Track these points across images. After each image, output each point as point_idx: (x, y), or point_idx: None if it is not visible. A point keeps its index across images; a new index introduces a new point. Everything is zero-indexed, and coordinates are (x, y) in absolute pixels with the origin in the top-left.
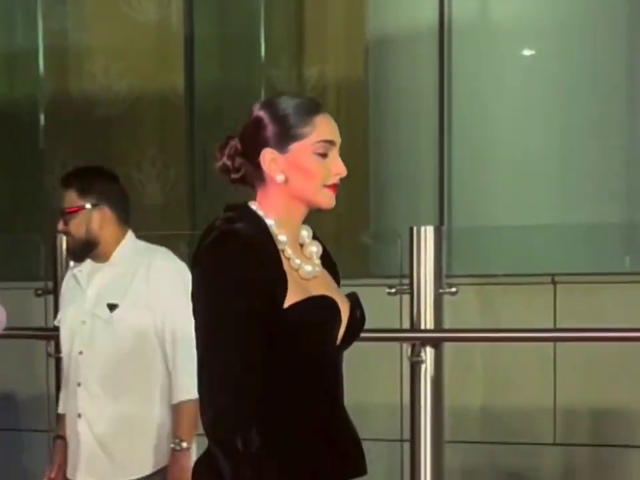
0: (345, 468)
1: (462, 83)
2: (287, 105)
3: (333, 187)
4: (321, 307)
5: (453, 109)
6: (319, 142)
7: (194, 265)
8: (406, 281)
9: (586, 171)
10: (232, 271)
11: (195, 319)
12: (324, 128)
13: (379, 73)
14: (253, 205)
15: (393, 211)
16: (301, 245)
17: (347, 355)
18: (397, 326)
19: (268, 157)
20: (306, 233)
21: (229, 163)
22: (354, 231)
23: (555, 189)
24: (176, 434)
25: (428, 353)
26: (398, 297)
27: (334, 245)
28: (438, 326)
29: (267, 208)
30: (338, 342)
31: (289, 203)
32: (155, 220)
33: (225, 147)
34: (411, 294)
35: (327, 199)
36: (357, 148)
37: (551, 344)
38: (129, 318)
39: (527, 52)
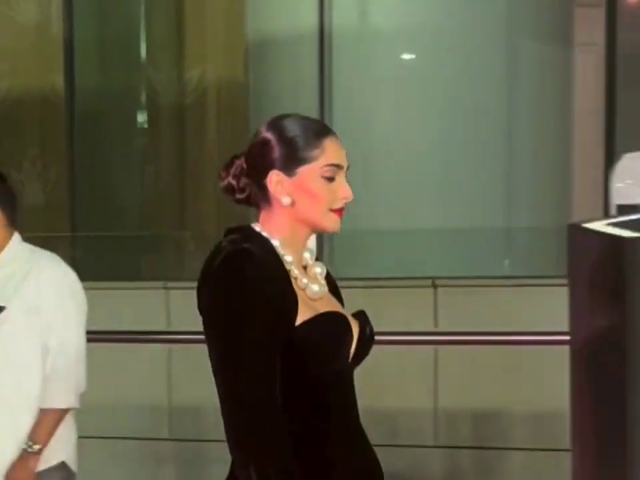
0: None
1: (342, 86)
2: (295, 127)
3: (339, 211)
4: (332, 321)
5: (334, 112)
6: (326, 166)
7: (203, 286)
8: None
9: (466, 176)
10: (245, 290)
11: (210, 342)
12: (332, 151)
13: (259, 75)
14: (256, 227)
15: None
16: (304, 267)
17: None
18: None
19: (274, 179)
20: (309, 255)
21: (234, 182)
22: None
23: (435, 194)
24: (32, 435)
25: None
26: None
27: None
28: None
29: (271, 229)
30: (350, 359)
31: (294, 225)
32: (35, 220)
33: (230, 166)
34: None
35: (333, 223)
36: (237, 149)
37: (431, 347)
38: (15, 321)
39: (406, 55)
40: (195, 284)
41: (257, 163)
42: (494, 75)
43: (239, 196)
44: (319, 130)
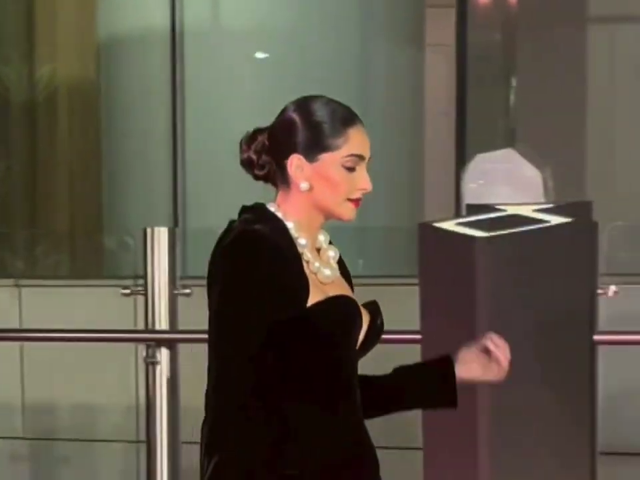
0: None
1: (194, 85)
2: (323, 111)
3: (356, 201)
4: (342, 304)
5: (187, 110)
6: (349, 155)
7: (212, 265)
8: (141, 281)
9: None
10: (254, 273)
11: (217, 321)
12: (356, 141)
13: (110, 74)
14: (271, 207)
15: (127, 212)
16: (318, 250)
17: (79, 356)
18: (132, 327)
19: (295, 163)
20: (323, 238)
21: (254, 157)
22: (87, 232)
23: None
24: None
25: (163, 354)
26: (132, 298)
27: (68, 245)
28: (173, 327)
29: (286, 210)
30: (357, 346)
31: (310, 209)
32: None
33: (252, 140)
34: (146, 295)
35: (349, 212)
36: (89, 148)
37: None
38: None
39: (259, 54)
40: (47, 282)
41: (280, 142)
42: (346, 75)
43: (257, 172)
44: (346, 118)
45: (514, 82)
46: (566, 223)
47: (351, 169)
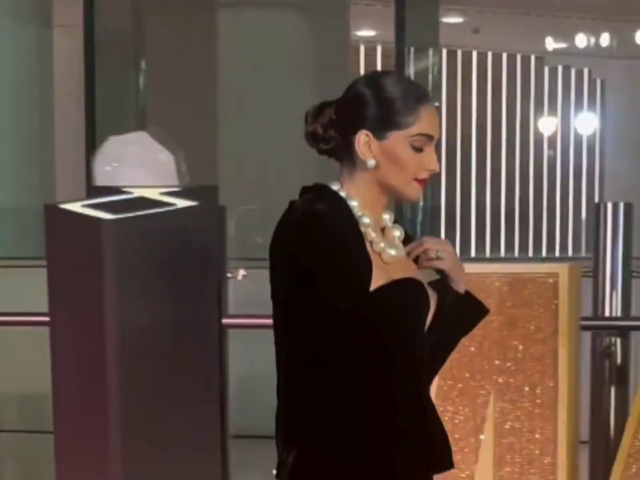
0: (430, 461)
1: None
2: (395, 87)
3: (422, 181)
4: (408, 289)
5: None
6: (418, 135)
7: (272, 248)
8: None
9: None
10: (315, 254)
11: (280, 307)
12: (427, 121)
13: None
14: (335, 186)
15: None
16: (382, 230)
17: None
18: None
19: (363, 139)
20: (387, 217)
21: (320, 131)
22: None
23: None
24: None
25: None
26: None
27: None
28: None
29: (350, 188)
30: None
31: (375, 188)
32: None
33: (319, 113)
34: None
35: (415, 192)
36: None
37: None
38: None
39: None
40: None
41: (348, 117)
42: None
43: (323, 146)
44: (419, 95)
45: (144, 65)
46: (192, 207)
47: (418, 149)
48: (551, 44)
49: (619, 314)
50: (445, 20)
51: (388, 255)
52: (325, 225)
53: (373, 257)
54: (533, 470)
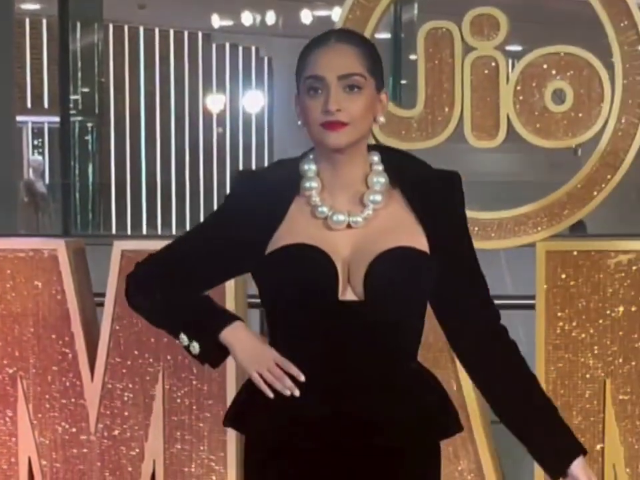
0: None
1: None
2: (307, 44)
3: (331, 125)
4: (287, 257)
5: None
6: (308, 77)
7: None
8: None
9: None
10: (225, 199)
11: None
12: (315, 63)
13: None
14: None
15: None
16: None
17: None
18: None
19: (294, 101)
20: (375, 179)
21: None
22: None
23: None
24: None
25: None
26: None
27: None
28: None
29: (316, 151)
30: (340, 296)
31: (317, 146)
32: None
33: None
34: None
35: (327, 139)
36: None
37: None
38: None
39: None
40: None
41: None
42: None
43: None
44: (316, 41)
45: None
46: None
47: (314, 91)
48: (217, 21)
49: None
50: None
51: (333, 221)
52: (234, 184)
53: (307, 220)
54: (203, 447)
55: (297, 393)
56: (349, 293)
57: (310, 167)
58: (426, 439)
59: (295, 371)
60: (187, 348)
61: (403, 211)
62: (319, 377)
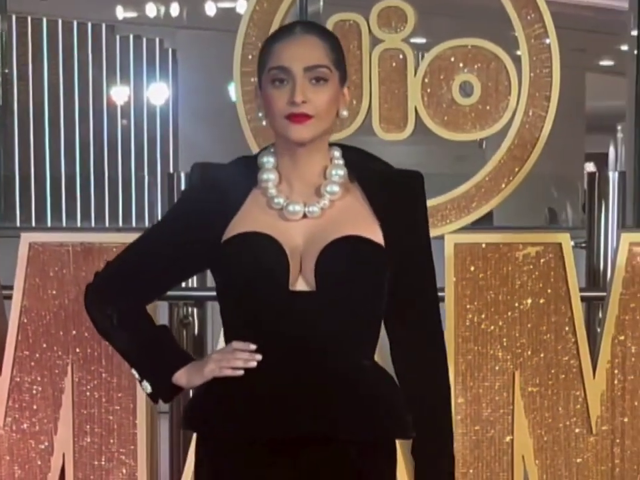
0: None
1: None
2: (267, 38)
3: (296, 117)
4: (242, 244)
5: None
6: (272, 69)
7: None
8: None
9: None
10: (182, 193)
11: None
12: (280, 54)
13: None
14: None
15: None
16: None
17: None
18: None
19: (254, 92)
20: (334, 172)
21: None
22: None
23: None
24: None
25: None
26: None
27: None
28: None
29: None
30: (291, 286)
31: (278, 139)
32: None
33: None
34: None
35: (291, 132)
36: None
37: None
38: None
39: None
40: None
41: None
42: None
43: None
44: (281, 30)
45: None
46: None
47: (278, 83)
48: (121, 13)
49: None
50: None
51: (288, 211)
52: (190, 176)
53: (261, 211)
54: (113, 440)
55: (256, 358)
56: (300, 284)
57: (269, 159)
58: (389, 436)
59: (244, 345)
60: (139, 382)
61: (359, 204)
62: (272, 368)
